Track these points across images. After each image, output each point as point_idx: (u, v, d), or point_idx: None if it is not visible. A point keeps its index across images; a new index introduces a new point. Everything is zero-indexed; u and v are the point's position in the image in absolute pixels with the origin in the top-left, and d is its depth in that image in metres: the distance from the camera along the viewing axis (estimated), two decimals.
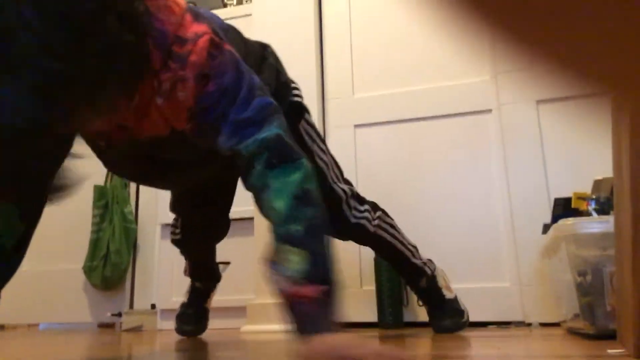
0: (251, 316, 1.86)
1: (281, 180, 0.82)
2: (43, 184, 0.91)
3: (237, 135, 0.85)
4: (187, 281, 1.73)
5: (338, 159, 1.95)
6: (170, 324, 1.81)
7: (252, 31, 2.13)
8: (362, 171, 1.95)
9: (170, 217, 1.60)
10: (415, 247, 1.52)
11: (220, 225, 1.56)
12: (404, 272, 1.53)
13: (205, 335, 1.73)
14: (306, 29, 2.03)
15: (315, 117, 1.95)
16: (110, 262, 2.31)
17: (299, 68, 2.01)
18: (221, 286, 2.08)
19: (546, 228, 1.53)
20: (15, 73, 0.62)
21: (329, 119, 2.01)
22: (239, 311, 1.96)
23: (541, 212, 1.70)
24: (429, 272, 1.51)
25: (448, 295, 1.52)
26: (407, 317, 1.80)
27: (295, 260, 0.76)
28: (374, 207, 1.43)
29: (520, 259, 1.75)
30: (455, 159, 1.88)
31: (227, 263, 2.10)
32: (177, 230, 1.56)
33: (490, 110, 1.87)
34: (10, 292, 2.80)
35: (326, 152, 1.32)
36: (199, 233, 1.54)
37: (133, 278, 2.33)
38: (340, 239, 1.42)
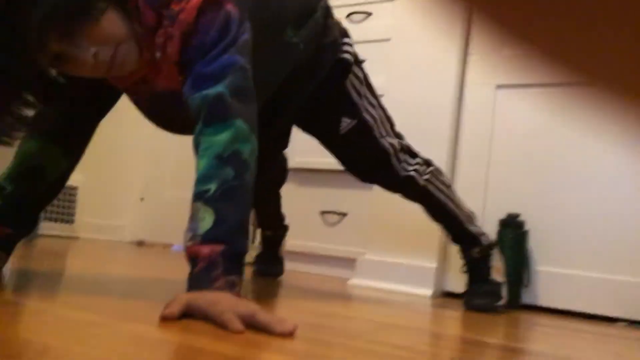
0: (360, 270, 1.86)
1: (209, 138, 0.82)
2: (87, 129, 1.04)
3: (194, 87, 0.85)
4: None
5: (474, 119, 1.84)
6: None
7: None
8: (499, 136, 1.80)
9: None
10: (472, 212, 1.47)
11: (278, 168, 1.57)
12: (455, 236, 1.48)
13: (311, 281, 1.77)
14: None
15: (453, 73, 1.84)
16: None
17: (442, 18, 1.88)
18: (334, 236, 2.11)
19: None
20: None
21: (469, 76, 1.87)
22: (349, 263, 1.97)
23: None
24: (484, 242, 1.46)
25: (495, 277, 1.46)
26: (527, 299, 1.68)
27: (203, 218, 0.77)
28: (427, 162, 1.39)
29: None
30: (608, 135, 1.65)
31: (344, 214, 2.11)
32: None
33: None
34: (152, 213, 3.09)
35: (376, 106, 1.29)
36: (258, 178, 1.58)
37: None
38: (390, 191, 1.41)
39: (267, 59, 0.90)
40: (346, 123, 1.24)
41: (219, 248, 0.75)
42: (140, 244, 2.75)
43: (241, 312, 0.69)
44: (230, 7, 0.87)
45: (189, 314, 0.72)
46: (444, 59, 1.85)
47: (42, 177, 1.00)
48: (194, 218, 0.79)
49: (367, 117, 1.26)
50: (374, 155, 1.30)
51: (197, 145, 0.84)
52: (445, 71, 1.85)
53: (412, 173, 1.34)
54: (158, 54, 0.89)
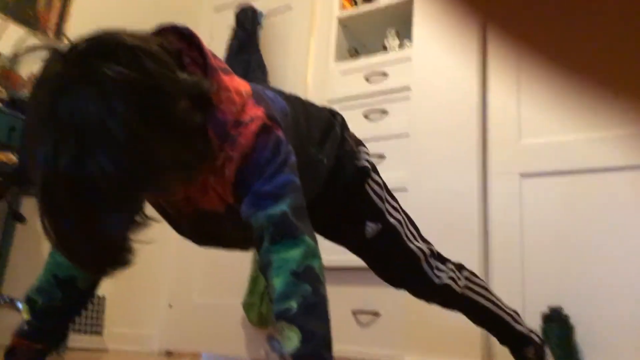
0: None
1: (281, 256, 0.84)
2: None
3: (254, 205, 0.88)
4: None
5: (500, 210, 1.81)
6: None
7: (412, 74, 2.08)
8: (528, 226, 1.76)
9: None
10: (516, 312, 1.40)
11: None
12: (505, 339, 1.41)
13: None
14: (468, 71, 1.92)
15: (474, 164, 1.83)
16: (266, 300, 2.38)
17: (459, 112, 1.91)
18: (368, 337, 2.02)
19: None
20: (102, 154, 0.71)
21: (491, 166, 1.86)
22: None
23: None
24: (537, 340, 1.39)
25: None
26: None
27: (289, 336, 0.78)
28: (459, 267, 1.35)
29: None
30: (637, 217, 1.60)
31: (377, 314, 2.03)
32: None
33: None
34: (179, 321, 3.04)
35: (399, 210, 1.29)
36: None
37: None
38: (426, 301, 1.37)
39: (301, 177, 0.93)
40: (371, 228, 1.24)
41: None
42: (169, 354, 2.68)
43: None
44: (279, 132, 0.93)
45: None
46: (464, 150, 1.86)
47: (73, 288, 1.00)
48: (278, 337, 0.80)
49: (392, 220, 1.26)
50: (403, 259, 1.27)
51: (267, 264, 0.86)
52: (466, 162, 1.85)
53: (448, 281, 1.30)
54: (212, 178, 0.92)
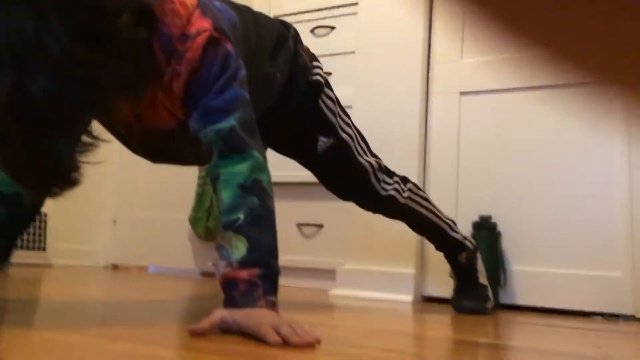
0: (340, 280, 1.87)
1: (229, 170, 0.86)
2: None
3: (202, 119, 0.89)
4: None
5: (440, 127, 1.89)
6: None
7: None
8: (465, 142, 1.85)
9: None
10: (452, 220, 1.52)
11: None
12: (441, 245, 1.54)
13: (293, 294, 1.77)
14: None
15: (418, 83, 1.88)
16: (213, 215, 2.42)
17: (405, 30, 1.93)
18: (312, 248, 2.12)
19: None
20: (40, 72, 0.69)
21: (433, 84, 1.91)
22: (329, 274, 1.98)
23: None
24: (470, 246, 1.52)
25: (482, 280, 1.53)
26: (504, 299, 1.71)
27: (236, 245, 0.81)
28: (404, 179, 1.43)
29: (637, 247, 1.58)
30: (570, 135, 1.71)
31: (320, 226, 2.12)
32: None
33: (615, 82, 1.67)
34: (125, 235, 3.06)
35: (351, 125, 1.33)
36: None
37: None
38: (372, 211, 1.45)
39: (252, 91, 0.93)
40: (323, 142, 1.27)
41: (256, 271, 0.79)
42: (115, 267, 2.71)
43: (275, 323, 0.74)
44: (228, 45, 0.91)
45: (224, 329, 0.76)
46: (408, 69, 1.90)
47: (19, 204, 0.99)
48: (226, 247, 0.82)
49: (344, 135, 1.29)
50: (353, 173, 1.32)
51: (216, 177, 0.88)
52: (410, 81, 1.89)
53: (393, 192, 1.37)
54: (160, 93, 0.92)
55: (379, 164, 1.36)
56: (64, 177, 0.78)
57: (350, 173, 1.33)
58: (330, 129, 1.27)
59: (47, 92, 0.69)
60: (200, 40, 0.88)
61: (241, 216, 0.82)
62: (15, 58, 0.67)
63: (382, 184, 1.36)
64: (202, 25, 0.89)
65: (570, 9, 1.75)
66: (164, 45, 0.87)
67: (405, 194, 1.41)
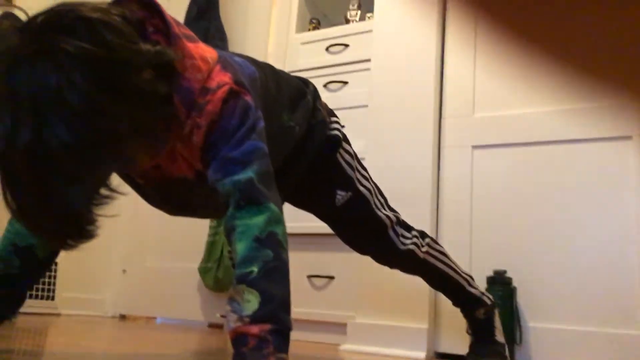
0: (351, 335, 1.82)
1: (245, 222, 0.85)
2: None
3: (220, 170, 0.89)
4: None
5: (453, 180, 1.89)
6: None
7: (372, 47, 2.12)
8: (478, 195, 1.84)
9: None
10: (470, 276, 1.50)
11: None
12: (459, 301, 1.51)
13: (302, 348, 1.73)
14: (427, 45, 1.97)
15: (430, 136, 1.90)
16: (223, 265, 2.40)
17: (416, 84, 1.96)
18: (322, 300, 2.08)
19: None
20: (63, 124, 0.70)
21: (445, 138, 1.93)
22: (339, 327, 1.94)
23: None
24: (488, 302, 1.49)
25: (499, 337, 1.49)
26: (520, 356, 1.66)
27: (248, 299, 0.80)
28: (422, 234, 1.42)
29: None
30: (585, 190, 1.70)
31: (331, 277, 2.10)
32: None
33: (630, 137, 1.68)
34: (133, 285, 3.03)
35: (369, 179, 1.34)
36: None
37: None
38: (389, 266, 1.43)
39: (270, 143, 0.95)
40: (341, 196, 1.28)
41: (267, 327, 0.78)
42: (122, 317, 2.67)
43: None
44: (248, 97, 0.93)
45: None
46: (420, 122, 1.92)
47: (32, 256, 0.99)
48: (238, 300, 0.81)
49: (362, 189, 1.30)
50: (371, 227, 1.32)
51: (232, 228, 0.87)
52: (422, 134, 1.91)
53: (411, 247, 1.36)
54: (179, 145, 0.93)
55: (397, 218, 1.36)
56: (79, 229, 0.78)
57: (368, 227, 1.32)
58: (348, 183, 1.28)
59: (66, 143, 0.70)
60: (221, 93, 0.90)
61: (255, 269, 0.82)
62: (36, 108, 0.69)
63: (401, 238, 1.35)
64: (222, 79, 0.91)
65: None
66: (184, 98, 0.88)
67: (424, 249, 1.39)
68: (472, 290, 1.48)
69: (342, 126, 1.34)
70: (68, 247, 0.80)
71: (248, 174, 0.87)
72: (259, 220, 0.85)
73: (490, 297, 1.52)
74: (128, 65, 0.76)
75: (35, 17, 0.74)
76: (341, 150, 1.28)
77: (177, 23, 0.92)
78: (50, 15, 0.74)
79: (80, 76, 0.70)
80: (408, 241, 1.36)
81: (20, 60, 0.71)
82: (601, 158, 1.70)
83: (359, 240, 1.38)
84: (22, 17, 0.76)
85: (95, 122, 0.72)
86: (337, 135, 1.28)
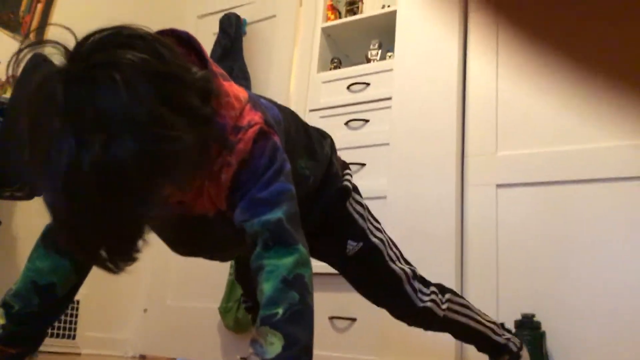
0: None
1: (273, 262, 0.85)
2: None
3: (248, 211, 0.89)
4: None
5: (477, 220, 1.85)
6: None
7: (393, 85, 2.13)
8: (503, 235, 1.80)
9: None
10: (495, 324, 1.45)
11: None
12: (484, 349, 1.46)
13: None
14: (448, 83, 1.98)
15: (453, 175, 1.87)
16: (243, 305, 2.37)
17: (438, 123, 1.96)
18: (344, 343, 2.03)
19: None
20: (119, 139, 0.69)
21: (468, 177, 1.90)
22: None
23: None
24: (513, 348, 1.44)
25: None
26: None
27: (272, 341, 0.79)
28: (441, 289, 1.36)
29: None
30: (610, 229, 1.65)
31: (354, 319, 2.05)
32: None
33: None
34: (154, 325, 3.00)
35: (382, 231, 1.31)
36: None
37: None
38: (407, 323, 1.36)
39: None
40: (352, 246, 1.25)
41: None
42: (142, 358, 2.65)
43: None
44: (276, 138, 0.94)
45: None
46: (442, 160, 1.90)
47: (52, 294, 0.99)
48: (260, 342, 0.80)
49: (375, 240, 1.27)
50: (385, 279, 1.28)
51: (259, 268, 0.86)
52: (445, 173, 1.89)
53: (430, 304, 1.30)
54: (207, 182, 0.93)
55: (414, 272, 1.31)
56: (130, 248, 0.78)
57: (382, 279, 1.28)
58: (359, 233, 1.25)
59: (135, 152, 0.69)
60: (252, 132, 0.90)
61: (280, 311, 0.81)
62: (102, 122, 0.69)
63: (419, 294, 1.29)
64: (253, 118, 0.92)
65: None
66: (218, 135, 0.88)
67: (444, 305, 1.33)
68: (497, 338, 1.42)
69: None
70: (110, 269, 0.80)
71: (277, 214, 0.87)
72: (287, 261, 0.85)
73: (518, 341, 1.46)
74: (182, 81, 0.77)
75: (83, 40, 0.74)
76: (351, 200, 1.27)
77: (213, 61, 0.93)
78: (104, 35, 0.75)
79: (145, 88, 0.71)
80: (426, 297, 1.29)
81: (79, 76, 0.71)
82: (630, 198, 1.66)
83: (372, 293, 1.33)
84: (50, 52, 0.75)
85: (159, 131, 0.72)
86: (347, 186, 1.26)
